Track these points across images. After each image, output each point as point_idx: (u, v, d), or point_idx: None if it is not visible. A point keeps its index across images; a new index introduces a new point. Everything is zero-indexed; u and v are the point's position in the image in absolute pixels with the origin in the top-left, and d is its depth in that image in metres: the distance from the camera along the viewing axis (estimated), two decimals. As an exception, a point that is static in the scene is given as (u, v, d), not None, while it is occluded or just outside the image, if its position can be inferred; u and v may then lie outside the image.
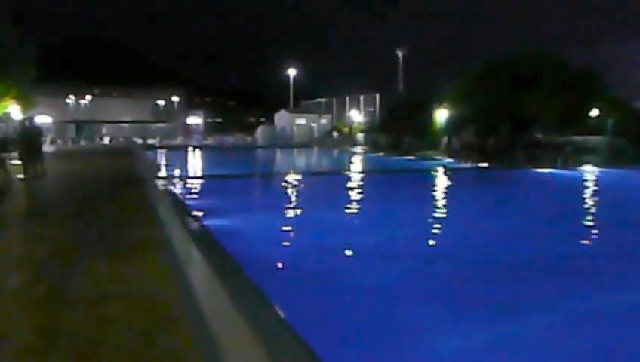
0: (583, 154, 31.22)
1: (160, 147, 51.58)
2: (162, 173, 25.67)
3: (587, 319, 6.58)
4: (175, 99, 79.75)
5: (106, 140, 61.65)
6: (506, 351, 5.63)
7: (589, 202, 17.81)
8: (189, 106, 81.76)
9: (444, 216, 14.50)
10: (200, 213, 12.59)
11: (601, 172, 26.44)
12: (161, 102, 79.82)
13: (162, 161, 35.85)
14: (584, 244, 11.05)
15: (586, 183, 22.72)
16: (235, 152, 47.26)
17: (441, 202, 17.19)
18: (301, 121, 63.30)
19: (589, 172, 26.37)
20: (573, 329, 6.26)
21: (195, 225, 10.59)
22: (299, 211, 14.90)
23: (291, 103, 67.45)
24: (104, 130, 67.56)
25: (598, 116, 36.75)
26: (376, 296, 7.35)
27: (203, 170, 32.27)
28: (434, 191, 20.12)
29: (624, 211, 15.46)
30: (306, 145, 54.22)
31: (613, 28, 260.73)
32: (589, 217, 14.55)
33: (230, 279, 6.21)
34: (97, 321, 4.79)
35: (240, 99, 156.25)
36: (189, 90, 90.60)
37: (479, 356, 5.55)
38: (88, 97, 75.68)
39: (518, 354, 5.57)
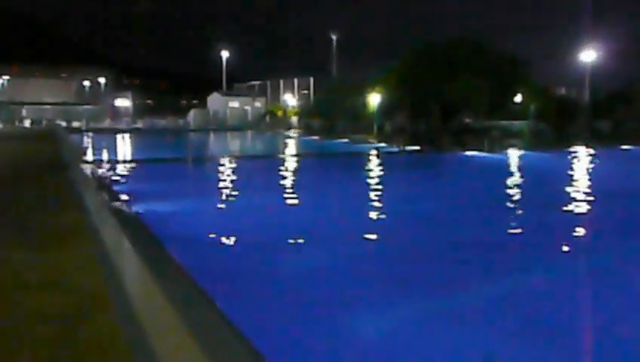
0: (508, 138, 32.65)
1: (86, 130, 49.42)
2: (88, 157, 24.61)
3: (508, 296, 6.88)
4: (102, 80, 76.43)
5: (27, 123, 58.36)
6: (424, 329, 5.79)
7: (513, 182, 18.72)
8: (116, 88, 78.58)
9: (375, 198, 14.73)
10: (129, 199, 12.17)
11: (524, 154, 27.74)
12: (87, 84, 76.30)
13: (89, 145, 34.37)
14: (507, 222, 11.53)
15: (511, 165, 23.87)
16: (166, 136, 45.97)
17: (372, 185, 17.46)
18: (234, 104, 62.41)
19: (514, 154, 27.59)
20: (495, 306, 6.52)
21: (123, 210, 10.22)
22: (231, 195, 14.70)
23: (224, 86, 66.29)
24: (24, 112, 63.85)
25: (522, 102, 38.48)
26: (309, 277, 7.37)
27: (132, 154, 31.21)
28: (366, 174, 20.41)
29: (544, 189, 16.43)
30: (239, 128, 53.58)
31: (537, 18, 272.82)
32: (513, 196, 15.23)
33: (160, 265, 6.04)
34: (16, 312, 4.52)
35: (171, 81, 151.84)
36: (116, 70, 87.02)
37: (394, 336, 5.67)
38: (5, 77, 71.16)
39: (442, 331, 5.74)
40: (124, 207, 10.85)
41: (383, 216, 11.96)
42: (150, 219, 9.55)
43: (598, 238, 10.02)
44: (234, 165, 22.46)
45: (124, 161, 24.31)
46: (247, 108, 61.83)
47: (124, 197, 12.32)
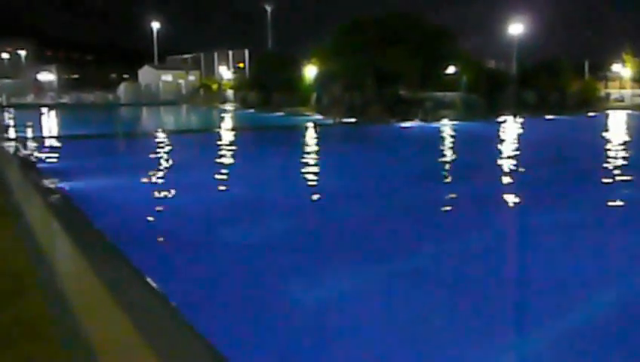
0: (441, 109, 33.48)
1: (7, 106, 46.59)
2: (11, 134, 23.29)
3: (439, 262, 7.14)
4: (22, 52, 71.93)
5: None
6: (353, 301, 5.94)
7: (446, 151, 19.45)
8: (39, 61, 74.22)
9: (309, 170, 14.81)
10: (55, 177, 11.64)
11: (456, 124, 28.57)
12: (6, 56, 71.62)
13: (10, 122, 32.47)
14: (441, 189, 11.91)
15: (443, 135, 24.56)
16: (95, 111, 44.07)
17: (308, 157, 17.52)
18: (167, 77, 60.51)
19: (446, 125, 28.36)
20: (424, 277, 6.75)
21: (49, 189, 9.78)
22: (164, 171, 14.36)
23: (156, 59, 64.03)
24: None
25: (454, 74, 39.44)
26: (242, 250, 7.36)
27: (59, 130, 29.78)
28: (302, 146, 20.43)
29: (475, 157, 17.24)
30: (173, 102, 52.12)
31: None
32: (446, 164, 15.74)
33: (89, 244, 5.85)
34: None
35: (99, 53, 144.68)
36: (38, 42, 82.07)
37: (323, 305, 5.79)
38: None
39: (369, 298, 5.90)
40: (51, 186, 10.38)
41: (317, 188, 12.05)
42: (78, 198, 9.19)
43: (526, 201, 10.53)
44: (167, 140, 21.89)
45: (50, 138, 23.18)
46: (181, 81, 60.11)
47: (50, 175, 11.77)
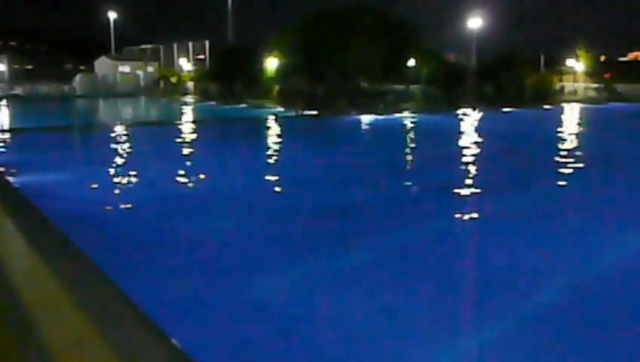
0: (402, 102, 33.78)
1: (-46, 98, 44.65)
2: (-42, 127, 22.34)
3: (398, 250, 7.20)
4: (-30, 41, 68.93)
5: None
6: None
7: (406, 143, 19.73)
8: (-12, 51, 71.25)
9: (273, 162, 14.75)
10: (7, 170, 11.22)
11: (417, 117, 28.90)
12: (-48, 46, 68.52)
13: (-42, 114, 31.16)
14: (401, 180, 12.03)
15: (404, 127, 24.85)
16: (50, 103, 42.65)
17: (271, 149, 17.44)
18: (125, 68, 59.01)
19: (407, 117, 28.64)
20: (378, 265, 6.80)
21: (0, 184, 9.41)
22: (122, 164, 14.04)
23: (113, 49, 62.38)
24: None
25: (415, 66, 39.83)
26: (200, 243, 7.26)
27: (11, 122, 28.71)
28: (264, 138, 20.32)
29: (435, 148, 17.54)
30: (132, 94, 50.90)
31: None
32: (406, 156, 15.93)
33: (41, 239, 5.64)
34: None
35: (53, 43, 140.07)
36: (-13, 31, 78.79)
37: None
38: None
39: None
40: (3, 181, 10.00)
41: (278, 180, 11.99)
42: (32, 193, 8.87)
43: (483, 190, 10.74)
44: (126, 133, 21.39)
45: (2, 131, 22.33)
46: (139, 73, 58.72)
47: (2, 169, 11.34)
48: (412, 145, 19.54)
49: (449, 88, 37.75)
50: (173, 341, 3.96)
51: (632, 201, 10.00)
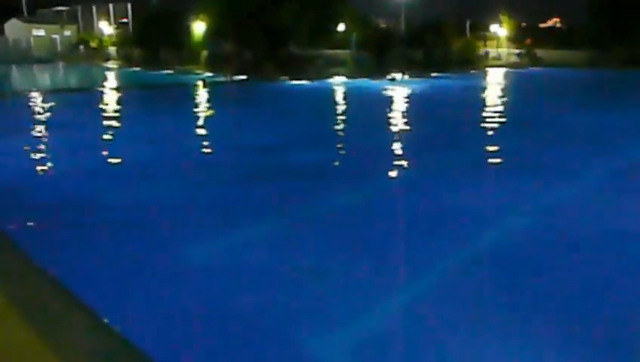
0: (332, 67, 33.71)
1: None
2: None
3: (332, 216, 7.23)
4: None
5: None
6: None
7: (337, 107, 19.79)
8: None
9: (201, 128, 14.38)
10: None
11: (347, 81, 28.96)
12: None
13: None
14: (334, 144, 12.03)
15: (334, 92, 24.86)
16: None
17: (197, 115, 16.97)
18: (39, 32, 55.31)
19: (338, 82, 28.65)
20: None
21: None
22: (41, 133, 13.25)
23: (25, 11, 58.22)
24: None
25: (345, 31, 39.72)
26: (125, 215, 6.99)
27: None
28: (191, 104, 19.72)
29: (365, 112, 17.70)
30: (48, 60, 47.93)
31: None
32: (337, 120, 15.94)
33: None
34: None
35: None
36: None
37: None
38: None
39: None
40: None
41: (206, 147, 11.71)
42: None
43: (414, 153, 10.94)
44: (43, 100, 20.14)
45: None
46: (56, 37, 55.27)
47: None
48: (343, 109, 19.60)
49: (379, 53, 38.00)
50: (96, 313, 3.80)
51: (542, 156, 10.51)
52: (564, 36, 57.88)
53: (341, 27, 39.90)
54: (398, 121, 15.24)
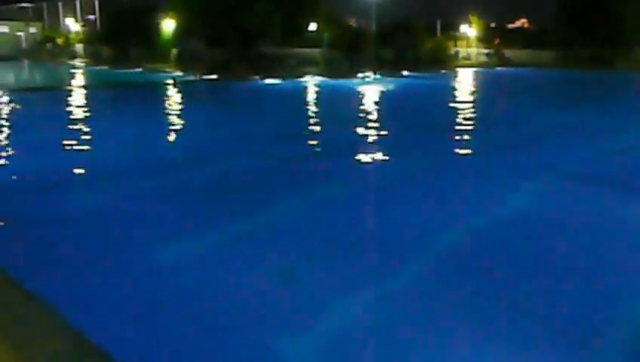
0: (304, 66, 33.61)
1: None
2: None
3: (304, 213, 7.20)
4: None
5: None
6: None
7: (309, 106, 19.78)
8: None
9: (172, 127, 14.19)
10: None
11: (318, 81, 28.96)
12: None
13: None
14: (305, 141, 12.00)
15: (306, 91, 24.81)
16: None
17: (167, 115, 16.73)
18: (3, 29, 53.81)
19: (309, 81, 28.61)
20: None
21: None
22: (5, 133, 12.91)
23: (-12, 7, 56.59)
24: None
25: (316, 30, 39.67)
26: (93, 215, 6.85)
27: None
28: (160, 104, 19.46)
29: (337, 111, 17.85)
30: (12, 58, 46.64)
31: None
32: (310, 119, 15.92)
33: None
34: None
35: None
36: None
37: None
38: None
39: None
40: None
41: (174, 147, 11.58)
42: None
43: (385, 150, 11.00)
44: (8, 99, 19.60)
45: None
46: (20, 34, 53.85)
47: None
48: (320, 108, 19.59)
49: (350, 52, 38.02)
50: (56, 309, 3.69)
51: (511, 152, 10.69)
52: (532, 37, 58.87)
53: (313, 26, 39.84)
54: (364, 120, 15.22)
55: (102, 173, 9.09)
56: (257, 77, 28.94)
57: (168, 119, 15.58)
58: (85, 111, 17.32)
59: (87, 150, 10.91)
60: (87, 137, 12.45)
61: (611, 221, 6.82)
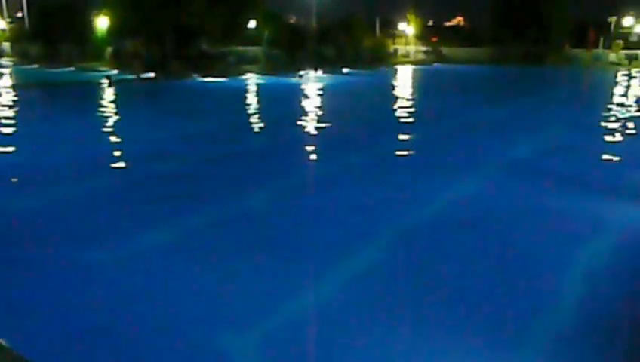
0: (244, 64, 33.32)
1: None
2: None
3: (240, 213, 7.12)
4: None
5: None
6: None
7: (250, 104, 19.61)
8: None
9: (102, 128, 13.69)
10: None
11: (259, 78, 28.76)
12: None
13: None
14: (247, 139, 11.88)
15: (246, 89, 24.58)
16: None
17: (102, 114, 16.14)
18: None
19: (250, 79, 28.38)
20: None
21: None
22: None
23: None
24: None
25: (256, 28, 39.41)
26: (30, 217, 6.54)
27: None
28: (96, 103, 18.76)
29: (279, 108, 17.88)
30: None
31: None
32: (250, 117, 15.75)
33: None
34: None
35: None
36: None
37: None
38: None
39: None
40: None
41: (103, 149, 11.18)
42: None
43: (323, 146, 11.02)
44: None
45: None
46: (-59, 32, 50.69)
47: None
48: (262, 106, 19.43)
49: (291, 50, 38.00)
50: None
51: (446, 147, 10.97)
52: (468, 35, 60.76)
53: (252, 24, 39.54)
54: (301, 117, 15.18)
55: (19, 176, 8.62)
56: (197, 75, 28.46)
57: (99, 120, 14.98)
58: (9, 113, 16.47)
59: (5, 152, 10.37)
60: (7, 140, 11.84)
61: (529, 210, 7.09)
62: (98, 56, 35.18)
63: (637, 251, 5.80)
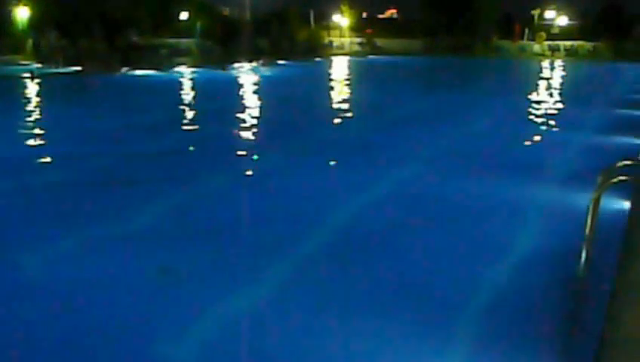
0: (176, 56, 32.52)
1: None
2: None
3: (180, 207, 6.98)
4: None
5: None
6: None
7: (185, 97, 19.21)
8: None
9: (32, 126, 13.01)
10: None
11: (193, 71, 28.20)
12: None
13: None
14: (182, 134, 11.61)
15: (180, 81, 24.01)
16: None
17: (30, 111, 15.30)
18: None
19: (183, 72, 27.77)
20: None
21: None
22: None
23: None
24: None
25: (188, 20, 38.58)
26: None
27: None
28: (20, 99, 17.78)
29: (214, 101, 17.47)
30: None
31: None
32: (185, 110, 15.40)
33: None
34: None
35: None
36: None
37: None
38: None
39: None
40: None
41: (33, 146, 10.67)
42: None
43: (261, 139, 10.97)
44: None
45: None
46: None
47: None
48: (197, 99, 18.99)
49: (225, 42, 37.43)
50: None
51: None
52: (401, 26, 61.84)
53: (184, 15, 38.68)
54: (231, 111, 14.87)
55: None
56: (127, 68, 27.54)
57: (18, 115, 14.12)
58: None
59: None
60: None
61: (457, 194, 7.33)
62: (18, 49, 33.32)
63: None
